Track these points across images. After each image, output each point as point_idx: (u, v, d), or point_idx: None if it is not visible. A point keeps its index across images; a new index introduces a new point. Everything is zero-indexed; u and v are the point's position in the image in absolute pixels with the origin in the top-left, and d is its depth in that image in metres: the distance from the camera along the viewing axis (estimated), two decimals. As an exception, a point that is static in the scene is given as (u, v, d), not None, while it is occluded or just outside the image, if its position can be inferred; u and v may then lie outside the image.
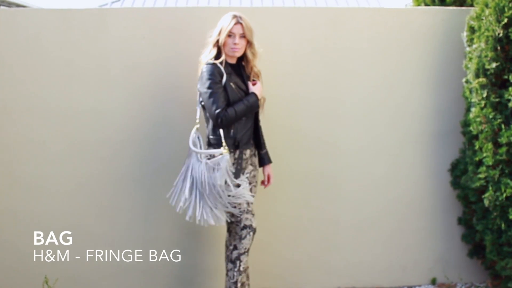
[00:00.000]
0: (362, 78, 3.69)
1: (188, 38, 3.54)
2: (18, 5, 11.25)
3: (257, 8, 3.66)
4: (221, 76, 3.06)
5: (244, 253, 3.06)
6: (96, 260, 3.63)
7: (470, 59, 3.46)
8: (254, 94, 3.15)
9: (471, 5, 3.98)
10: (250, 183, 3.19)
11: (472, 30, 3.52)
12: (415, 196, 3.77)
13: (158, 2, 11.92)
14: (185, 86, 3.54)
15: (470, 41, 3.52)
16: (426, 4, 4.36)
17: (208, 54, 3.13)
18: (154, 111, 3.58)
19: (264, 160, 3.32)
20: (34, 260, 3.59)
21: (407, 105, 3.72)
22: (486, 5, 3.38)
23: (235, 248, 3.08)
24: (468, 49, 3.51)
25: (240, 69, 3.22)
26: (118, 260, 3.64)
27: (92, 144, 3.59)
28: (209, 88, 3.04)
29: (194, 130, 3.13)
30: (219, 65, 3.08)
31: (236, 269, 3.08)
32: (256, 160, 3.29)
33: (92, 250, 3.62)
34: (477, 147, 3.42)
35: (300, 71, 3.62)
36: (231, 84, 3.09)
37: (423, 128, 3.73)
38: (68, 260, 3.61)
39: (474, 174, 3.45)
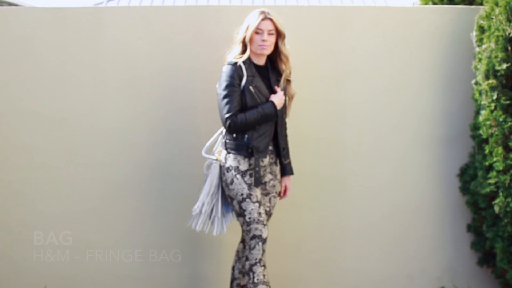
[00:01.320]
0: (367, 80, 3.66)
1: (187, 38, 3.54)
2: (10, 4, 11.21)
3: (258, 6, 3.47)
4: (240, 78, 2.98)
5: (255, 263, 2.99)
6: (92, 269, 3.62)
7: (480, 60, 3.43)
8: (272, 103, 3.03)
9: (481, 4, 3.95)
10: (268, 193, 3.17)
11: (481, 29, 3.48)
12: (423, 202, 3.74)
13: (156, 0, 11.88)
14: (183, 88, 3.55)
15: (480, 41, 3.48)
16: (434, 3, 4.32)
17: (233, 53, 3.06)
18: (151, 114, 3.57)
19: (284, 171, 3.23)
20: (26, 268, 3.58)
21: (414, 107, 3.70)
22: (496, 4, 3.35)
23: (247, 258, 3.03)
24: (477, 49, 3.48)
25: (269, 71, 3.12)
26: (114, 267, 3.62)
27: (87, 148, 3.57)
28: (224, 90, 2.97)
29: (217, 133, 3.18)
30: (241, 65, 2.99)
31: (251, 281, 3.01)
32: (277, 169, 3.22)
33: (87, 258, 3.60)
34: (487, 151, 3.38)
35: (303, 72, 3.56)
36: (250, 87, 3.00)
37: (430, 131, 3.71)
38: (62, 268, 3.60)
39: (484, 179, 3.41)
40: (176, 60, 3.55)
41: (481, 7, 3.60)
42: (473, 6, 3.77)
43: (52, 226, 3.58)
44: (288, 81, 3.18)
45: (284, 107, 3.17)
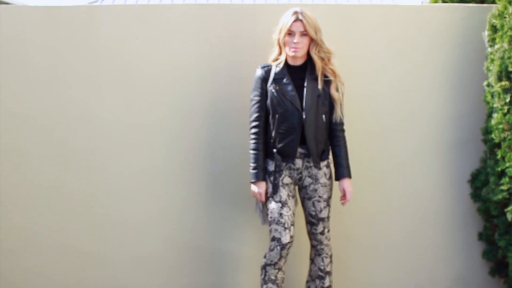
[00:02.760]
0: (374, 81, 3.64)
1: (185, 38, 3.53)
2: (1, 2, 11.13)
3: (260, 5, 3.60)
4: (266, 81, 3.11)
5: (270, 264, 3.08)
6: (87, 279, 3.60)
7: (492, 60, 3.40)
8: (254, 179, 3.12)
9: (493, 2, 3.91)
10: (310, 198, 3.18)
11: (494, 29, 3.44)
12: (432, 209, 3.72)
13: (153, -2, 11.89)
14: (182, 90, 3.54)
15: (492, 41, 3.45)
16: (444, 1, 4.30)
17: (272, 55, 3.17)
18: (148, 117, 3.55)
19: (337, 174, 3.23)
20: (15, 276, 3.57)
21: (423, 110, 3.68)
22: (509, 2, 3.33)
23: (264, 256, 3.13)
24: (489, 49, 3.45)
25: (306, 71, 3.13)
26: (110, 277, 3.60)
27: (81, 153, 3.56)
28: (251, 94, 3.15)
29: None
30: (273, 67, 3.12)
31: (261, 277, 3.13)
32: (319, 172, 3.17)
33: (82, 266, 3.59)
34: (499, 156, 3.34)
35: None
36: (272, 89, 3.09)
37: (440, 135, 3.70)
38: (54, 276, 3.59)
39: (496, 185, 3.38)
40: (174, 61, 3.54)
41: (493, 5, 3.55)
42: (485, 5, 3.73)
43: (44, 233, 3.57)
44: (329, 82, 3.15)
45: (317, 108, 3.10)
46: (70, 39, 3.49)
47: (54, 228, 3.57)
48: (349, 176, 3.22)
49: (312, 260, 3.26)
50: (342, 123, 3.22)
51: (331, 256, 3.22)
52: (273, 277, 3.10)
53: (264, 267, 3.10)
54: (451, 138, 3.69)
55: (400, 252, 3.72)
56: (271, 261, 3.07)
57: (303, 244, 3.49)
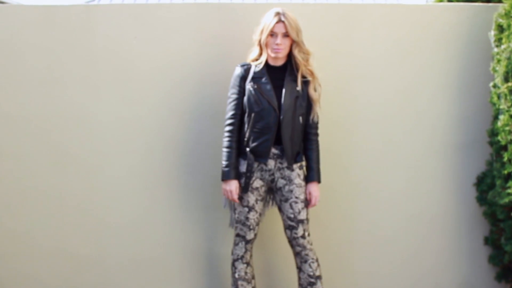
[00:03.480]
0: (378, 83, 3.63)
1: (185, 38, 3.52)
2: None
3: (260, 4, 3.57)
4: (245, 80, 3.13)
5: (237, 259, 3.21)
6: (83, 284, 3.58)
7: (498, 61, 3.39)
8: (225, 177, 3.13)
9: (499, 1, 3.91)
10: (287, 199, 3.16)
11: (500, 28, 3.43)
12: (437, 213, 3.71)
13: (151, -2, 11.93)
14: (181, 91, 3.53)
15: (498, 41, 3.43)
16: (450, 0, 4.31)
17: (251, 55, 3.20)
18: (146, 119, 3.55)
19: (307, 177, 3.22)
20: (10, 285, 3.56)
21: (428, 112, 3.67)
22: None
23: (232, 253, 3.25)
24: (496, 50, 3.44)
25: (285, 72, 3.16)
26: (106, 282, 3.59)
27: (77, 156, 3.55)
28: (229, 92, 3.18)
29: None
30: (253, 66, 3.14)
31: (232, 274, 3.25)
32: (293, 174, 3.17)
33: (78, 271, 3.56)
34: (505, 159, 3.32)
35: None
36: (250, 88, 3.11)
37: (445, 137, 3.69)
38: (48, 281, 3.57)
39: (503, 189, 3.36)
40: (174, 61, 3.53)
41: (500, 4, 3.55)
42: (491, 4, 3.71)
43: (39, 237, 3.55)
44: (307, 82, 3.18)
45: (294, 109, 3.12)
46: (66, 39, 3.48)
47: (49, 232, 3.55)
48: (318, 180, 3.21)
49: (299, 268, 3.21)
50: (316, 127, 3.23)
51: (317, 260, 3.17)
52: (243, 273, 3.19)
53: (233, 264, 3.21)
54: (456, 141, 3.68)
55: (405, 258, 3.70)
56: (237, 255, 3.19)
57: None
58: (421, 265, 3.70)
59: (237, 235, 3.19)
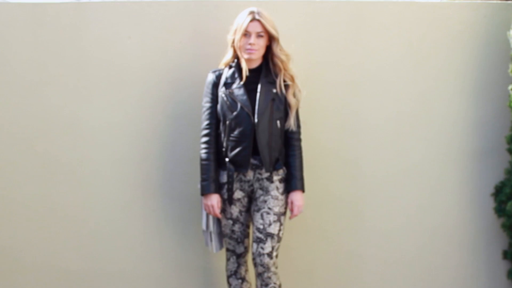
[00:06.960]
0: (388, 86, 3.59)
1: (182, 37, 3.48)
2: None
3: (263, 1, 3.49)
4: (217, 86, 3.09)
5: (231, 275, 3.16)
6: None
7: None
8: (204, 191, 3.06)
9: None
10: (259, 209, 3.05)
11: None
12: (453, 226, 3.67)
13: (147, -5, 12.11)
14: (178, 95, 3.49)
15: None
16: None
17: (224, 58, 3.15)
18: (141, 124, 3.50)
19: (289, 185, 3.14)
20: None
21: (443, 117, 3.64)
22: None
23: (225, 269, 3.21)
24: None
25: (260, 75, 3.10)
26: None
27: (68, 163, 3.50)
28: (202, 101, 3.13)
29: None
30: (225, 70, 3.10)
31: None
32: (271, 185, 3.09)
33: (69, 286, 3.51)
34: None
35: (314, 77, 3.52)
36: (222, 94, 3.06)
37: (462, 144, 3.65)
38: None
39: None
40: (170, 62, 3.49)
41: None
42: (510, 1, 3.67)
43: (28, 251, 3.51)
44: (287, 86, 3.10)
45: (271, 112, 3.05)
46: (55, 39, 3.44)
47: (38, 246, 3.50)
48: (302, 189, 3.11)
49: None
50: (299, 132, 3.15)
51: (280, 286, 2.98)
52: None
53: (227, 280, 3.18)
54: (473, 148, 3.65)
55: (418, 273, 3.67)
56: (231, 271, 3.15)
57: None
58: (435, 280, 3.67)
59: (227, 249, 3.16)
